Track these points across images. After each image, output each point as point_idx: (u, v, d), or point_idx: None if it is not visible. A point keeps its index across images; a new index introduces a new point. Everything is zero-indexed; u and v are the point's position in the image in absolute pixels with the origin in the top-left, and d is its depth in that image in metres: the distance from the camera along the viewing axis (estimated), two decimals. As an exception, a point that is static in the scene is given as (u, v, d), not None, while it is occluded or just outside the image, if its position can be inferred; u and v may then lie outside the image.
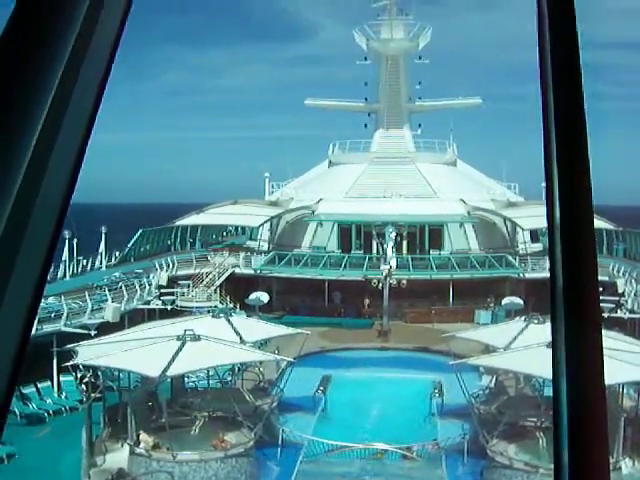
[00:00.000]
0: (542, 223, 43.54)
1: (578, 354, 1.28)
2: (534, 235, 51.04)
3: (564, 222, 1.31)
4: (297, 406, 29.24)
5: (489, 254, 46.57)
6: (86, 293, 34.92)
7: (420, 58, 54.69)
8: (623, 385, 23.39)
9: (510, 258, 46.08)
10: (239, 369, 29.33)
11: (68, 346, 25.48)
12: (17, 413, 28.30)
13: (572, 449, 1.26)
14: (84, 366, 24.05)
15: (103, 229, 47.29)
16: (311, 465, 24.41)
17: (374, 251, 46.96)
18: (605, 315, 37.83)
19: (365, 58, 54.90)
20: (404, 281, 41.12)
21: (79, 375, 24.27)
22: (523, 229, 48.57)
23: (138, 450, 22.97)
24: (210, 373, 28.75)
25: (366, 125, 56.86)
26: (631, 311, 37.04)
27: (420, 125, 56.83)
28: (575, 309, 1.29)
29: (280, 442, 25.63)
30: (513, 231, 49.82)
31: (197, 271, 45.58)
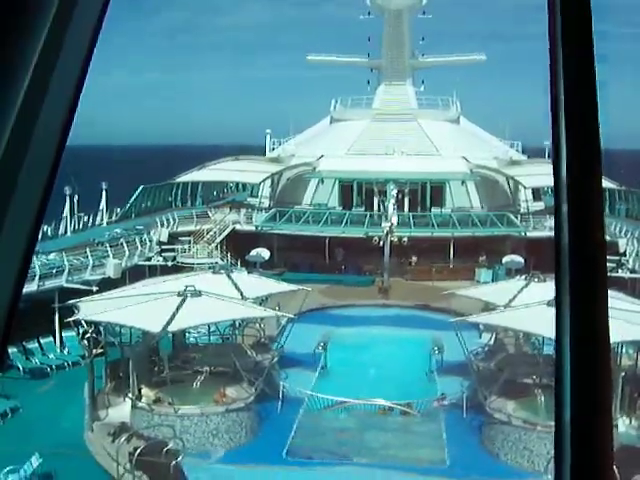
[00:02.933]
0: (544, 182, 43.47)
1: (583, 312, 1.26)
2: (536, 194, 50.91)
3: (571, 179, 1.28)
4: (298, 362, 29.42)
5: (490, 212, 46.47)
6: (87, 249, 34.94)
7: (424, 13, 54.05)
8: (622, 344, 23.49)
9: (512, 216, 46.01)
10: (240, 325, 29.44)
11: (70, 302, 25.56)
12: (20, 368, 28.51)
13: (574, 407, 1.26)
14: (86, 321, 24.16)
15: (104, 185, 47.12)
16: (311, 420, 24.64)
17: (375, 208, 46.88)
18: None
19: (369, 13, 54.22)
20: (405, 239, 41.12)
21: (81, 331, 24.40)
22: (525, 187, 48.44)
23: (140, 404, 23.21)
24: (211, 329, 28.93)
25: (369, 81, 56.43)
26: (632, 271, 37.10)
27: (423, 82, 56.36)
28: (581, 268, 1.28)
29: (280, 397, 25.84)
30: (515, 189, 49.69)
31: (198, 228, 45.51)
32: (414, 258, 43.97)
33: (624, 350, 24.45)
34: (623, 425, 22.89)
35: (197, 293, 23.70)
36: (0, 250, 1.00)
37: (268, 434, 23.72)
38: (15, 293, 1.02)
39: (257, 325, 30.12)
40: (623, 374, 23.34)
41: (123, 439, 21.33)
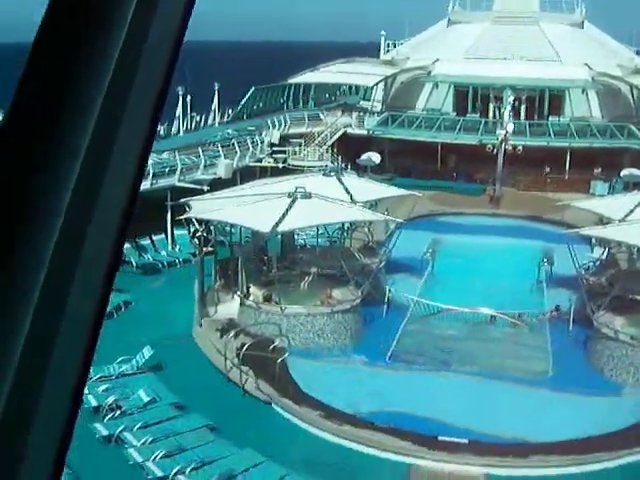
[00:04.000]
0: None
1: None
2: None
3: None
4: (405, 267, 29.44)
5: (611, 123, 44.59)
6: (199, 149, 35.29)
7: None
8: None
9: (633, 128, 43.96)
10: (348, 228, 29.57)
11: (182, 200, 26.10)
12: (133, 263, 29.50)
13: None
14: (197, 220, 24.64)
15: (216, 85, 47.37)
16: (416, 326, 24.77)
17: (490, 115, 45.68)
18: None
19: None
20: (520, 147, 40.05)
21: (192, 229, 24.97)
22: (650, 97, 46.03)
23: (248, 302, 23.76)
24: (319, 231, 29.13)
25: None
26: None
27: (547, -18, 53.67)
28: None
29: (386, 302, 26.01)
30: (639, 100, 47.32)
31: (309, 130, 45.40)
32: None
33: None
34: None
35: (307, 195, 23.72)
36: (118, 148, 1.00)
37: (372, 337, 24.01)
38: (132, 191, 1.02)
39: (365, 229, 30.13)
40: None
41: (231, 335, 22.01)
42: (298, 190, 23.72)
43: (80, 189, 0.98)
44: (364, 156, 42.16)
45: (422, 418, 18.90)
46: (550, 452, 17.52)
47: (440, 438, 17.89)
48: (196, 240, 25.02)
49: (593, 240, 29.53)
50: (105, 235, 1.01)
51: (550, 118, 45.63)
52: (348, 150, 44.16)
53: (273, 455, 17.05)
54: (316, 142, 44.62)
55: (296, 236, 28.84)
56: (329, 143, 44.86)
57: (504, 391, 20.45)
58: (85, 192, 0.99)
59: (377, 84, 48.44)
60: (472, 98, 47.20)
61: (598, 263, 28.51)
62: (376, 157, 42.31)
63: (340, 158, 44.21)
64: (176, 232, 31.72)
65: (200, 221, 24.62)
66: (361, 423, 18.63)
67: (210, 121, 47.57)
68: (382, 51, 56.01)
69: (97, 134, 0.99)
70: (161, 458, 16.83)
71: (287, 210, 22.88)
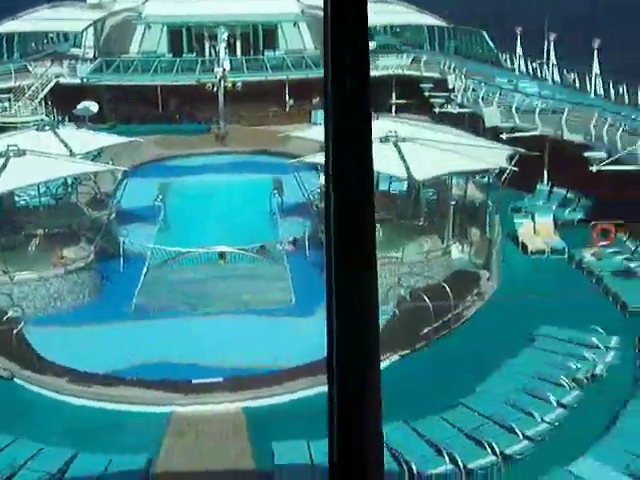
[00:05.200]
0: (380, 19, 43.27)
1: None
2: (373, 30, 50.30)
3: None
4: (137, 217, 28.84)
5: (324, 53, 45.93)
6: None
7: None
8: (452, 175, 24.31)
9: (346, 57, 45.64)
10: (72, 183, 28.30)
11: None
12: None
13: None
14: None
15: None
16: (155, 274, 24.41)
17: (207, 54, 45.48)
18: (437, 110, 39.01)
19: None
20: (239, 84, 40.29)
21: None
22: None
23: (-28, 275, 22.15)
24: (41, 190, 27.53)
25: None
26: (461, 106, 37.99)
27: None
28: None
29: (122, 254, 25.36)
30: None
31: (18, 84, 42.69)
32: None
33: (455, 181, 25.33)
34: (456, 251, 24.06)
35: (21, 152, 22.31)
36: None
37: (112, 292, 23.48)
38: None
39: (91, 182, 29.01)
40: (454, 203, 24.37)
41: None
42: (10, 148, 22.19)
43: None
44: (80, 106, 40.59)
45: (175, 365, 18.79)
46: (301, 375, 18.01)
47: (194, 381, 17.84)
48: None
49: (319, 167, 30.49)
50: None
51: (266, 53, 46.28)
52: (63, 102, 42.11)
53: (24, 432, 16.07)
54: (27, 96, 42.07)
55: (16, 198, 27.12)
56: (41, 96, 42.44)
57: (251, 325, 20.77)
58: None
59: (86, 29, 46.38)
60: (187, 38, 46.70)
61: (324, 189, 29.52)
62: (93, 106, 40.91)
63: (55, 110, 42.07)
64: None
65: None
66: (111, 381, 18.14)
67: None
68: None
69: None
70: None
71: (-1, 171, 21.36)
